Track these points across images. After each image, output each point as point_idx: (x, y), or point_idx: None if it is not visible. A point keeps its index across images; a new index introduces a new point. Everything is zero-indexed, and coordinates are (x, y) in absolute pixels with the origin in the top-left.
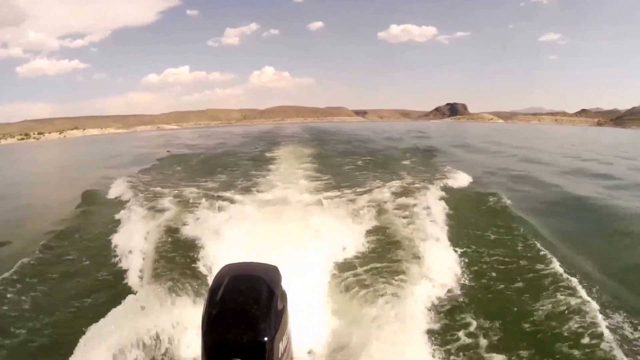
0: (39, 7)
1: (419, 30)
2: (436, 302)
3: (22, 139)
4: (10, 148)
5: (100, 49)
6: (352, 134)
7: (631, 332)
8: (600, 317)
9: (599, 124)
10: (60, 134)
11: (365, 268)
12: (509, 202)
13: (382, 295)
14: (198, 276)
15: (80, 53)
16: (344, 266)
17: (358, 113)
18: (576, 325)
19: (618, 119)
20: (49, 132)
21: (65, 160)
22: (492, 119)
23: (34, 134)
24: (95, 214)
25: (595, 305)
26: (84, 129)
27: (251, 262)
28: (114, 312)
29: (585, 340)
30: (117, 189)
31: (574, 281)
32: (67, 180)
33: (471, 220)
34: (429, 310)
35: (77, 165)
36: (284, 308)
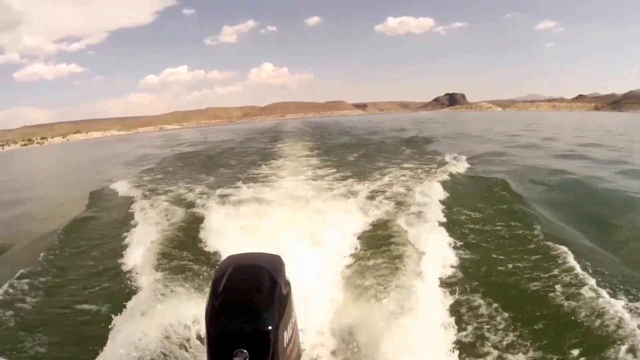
0: (33, 10)
1: (416, 22)
2: (444, 292)
3: (26, 144)
4: (15, 154)
5: (98, 51)
6: (353, 126)
7: None
8: (618, 308)
9: (596, 108)
10: (63, 137)
11: (370, 259)
12: (514, 188)
13: (389, 286)
14: (204, 271)
15: (78, 56)
16: (349, 257)
17: (358, 106)
18: (588, 313)
19: (615, 103)
20: (52, 137)
21: (71, 162)
22: (490, 108)
23: (37, 139)
24: (101, 213)
25: (612, 300)
26: (87, 133)
27: (254, 253)
28: (123, 309)
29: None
30: (123, 189)
31: (582, 270)
32: (72, 181)
33: (478, 208)
34: (437, 301)
35: (82, 166)
36: (288, 297)
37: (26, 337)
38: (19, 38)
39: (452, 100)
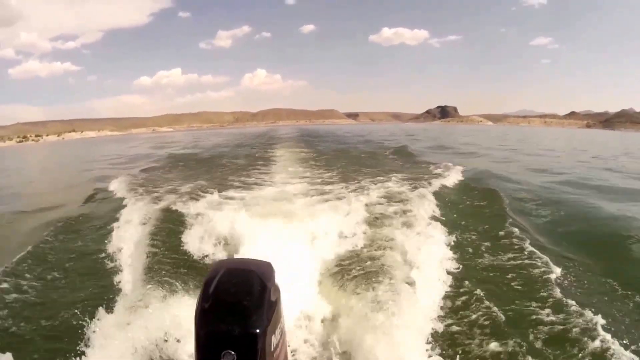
0: (31, 7)
1: (410, 34)
2: (432, 297)
3: (21, 141)
4: (12, 151)
5: (92, 51)
6: (344, 135)
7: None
8: (600, 322)
9: (588, 125)
10: (58, 136)
11: (359, 264)
12: (505, 199)
13: (376, 289)
14: (194, 273)
15: (72, 55)
16: (338, 262)
17: (350, 116)
18: (577, 330)
19: (606, 121)
20: (47, 135)
21: (68, 161)
22: (481, 122)
23: (31, 136)
24: (93, 212)
25: (593, 316)
26: (82, 132)
27: (245, 258)
28: (111, 309)
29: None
30: (117, 188)
31: (555, 278)
32: (67, 178)
33: (468, 216)
34: (424, 305)
35: (77, 165)
36: (277, 302)
37: (7, 334)
38: (15, 34)
39: (444, 112)
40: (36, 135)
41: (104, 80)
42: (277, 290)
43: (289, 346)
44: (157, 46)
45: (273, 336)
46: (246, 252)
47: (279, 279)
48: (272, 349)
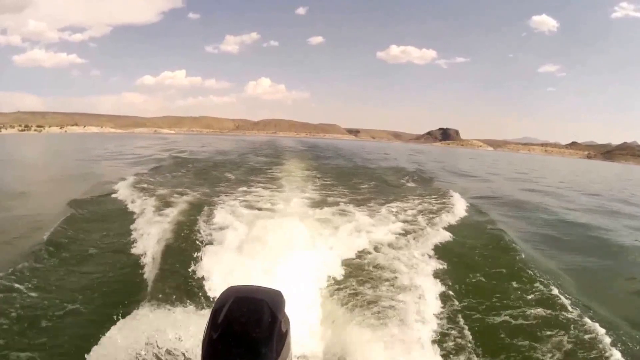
0: None
1: (419, 53)
2: (431, 319)
3: (23, 130)
4: (20, 139)
5: (99, 45)
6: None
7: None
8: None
9: (589, 156)
10: (60, 128)
11: (360, 283)
12: (507, 231)
13: (377, 311)
14: (196, 287)
15: (79, 47)
16: (340, 279)
17: (350, 132)
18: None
19: (607, 152)
20: (50, 126)
21: (78, 155)
22: (481, 146)
23: (33, 126)
24: (97, 215)
25: (604, 337)
26: (85, 126)
27: (255, 286)
28: (115, 318)
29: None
30: (120, 191)
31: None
32: (70, 178)
33: (467, 242)
34: (423, 325)
35: (82, 162)
36: (287, 334)
37: (16, 335)
38: (23, 21)
39: (445, 135)
40: (38, 126)
41: (108, 75)
42: (287, 321)
43: None
44: (164, 46)
45: None
46: (247, 262)
47: (289, 308)
48: None
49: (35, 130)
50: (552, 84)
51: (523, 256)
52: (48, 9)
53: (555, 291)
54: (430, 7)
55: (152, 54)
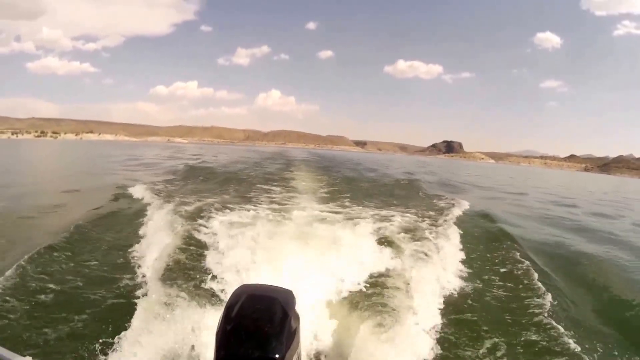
0: (56, 2)
1: (425, 68)
2: (444, 332)
3: (39, 136)
4: (38, 145)
5: (112, 54)
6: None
7: None
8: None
9: (586, 169)
10: (76, 135)
11: (370, 287)
12: (518, 238)
13: (385, 312)
14: (210, 288)
15: (92, 56)
16: (350, 282)
17: (358, 144)
18: None
19: (604, 165)
20: (65, 133)
21: (97, 162)
22: (482, 159)
23: (49, 133)
24: (110, 220)
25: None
26: (99, 134)
27: (267, 285)
28: (130, 320)
29: None
30: (136, 195)
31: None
32: (86, 182)
33: (480, 252)
34: (432, 338)
35: (97, 168)
36: (297, 330)
37: (27, 330)
38: (38, 29)
39: (449, 147)
40: (53, 132)
41: (121, 84)
42: (297, 318)
43: None
44: (176, 57)
45: None
46: (260, 263)
47: (299, 307)
48: None
49: (51, 136)
50: (553, 99)
51: (536, 266)
52: (62, 17)
53: (550, 297)
54: (437, 24)
55: (164, 65)
